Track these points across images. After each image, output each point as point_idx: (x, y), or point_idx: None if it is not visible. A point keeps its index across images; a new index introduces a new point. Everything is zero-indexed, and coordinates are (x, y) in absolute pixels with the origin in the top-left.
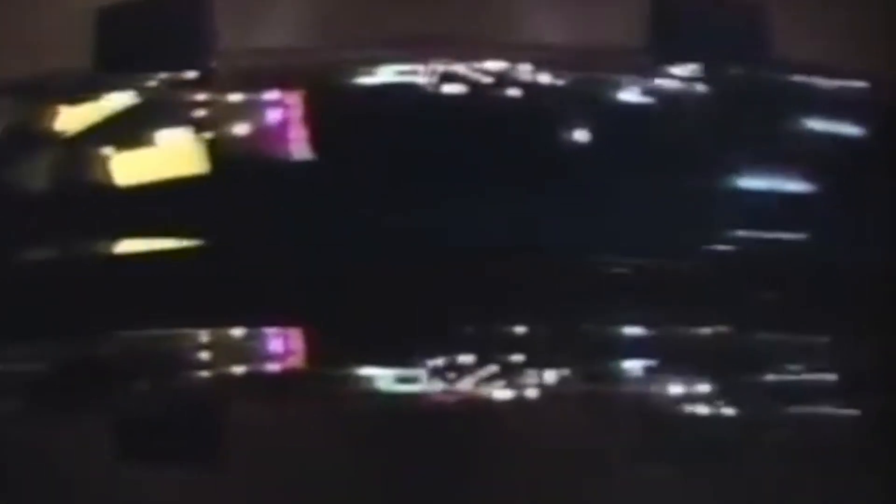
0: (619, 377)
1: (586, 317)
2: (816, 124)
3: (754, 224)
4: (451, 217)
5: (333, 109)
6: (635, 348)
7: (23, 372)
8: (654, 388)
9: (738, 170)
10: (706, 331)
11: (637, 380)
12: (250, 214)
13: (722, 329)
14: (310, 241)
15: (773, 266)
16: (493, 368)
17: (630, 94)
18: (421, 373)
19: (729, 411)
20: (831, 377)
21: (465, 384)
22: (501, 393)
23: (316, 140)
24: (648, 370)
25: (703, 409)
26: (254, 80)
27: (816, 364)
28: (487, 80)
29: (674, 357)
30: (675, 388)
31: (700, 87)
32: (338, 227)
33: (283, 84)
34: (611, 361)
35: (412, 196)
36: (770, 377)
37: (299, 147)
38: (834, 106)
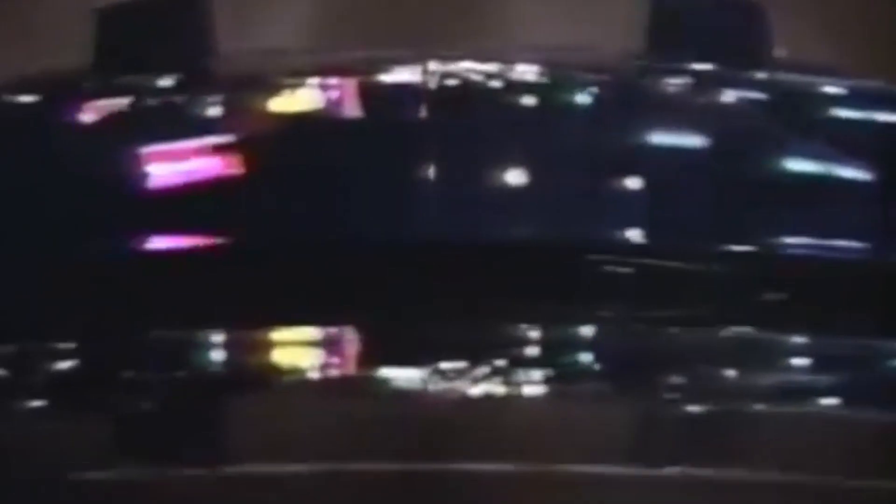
0: (617, 378)
1: (588, 316)
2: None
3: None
4: (448, 216)
5: (340, 108)
6: (635, 348)
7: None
8: (651, 389)
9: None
10: (702, 330)
11: (635, 380)
12: (249, 216)
13: (717, 329)
14: (310, 242)
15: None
16: (492, 368)
17: (628, 94)
18: (423, 372)
19: (727, 412)
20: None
21: (466, 383)
22: (501, 391)
23: (312, 141)
24: (646, 371)
25: (701, 409)
26: (256, 82)
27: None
28: (485, 80)
29: (671, 356)
30: (674, 388)
31: (700, 87)
32: (338, 227)
33: (291, 85)
34: (609, 361)
35: (409, 196)
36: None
37: (294, 149)
38: (833, 105)
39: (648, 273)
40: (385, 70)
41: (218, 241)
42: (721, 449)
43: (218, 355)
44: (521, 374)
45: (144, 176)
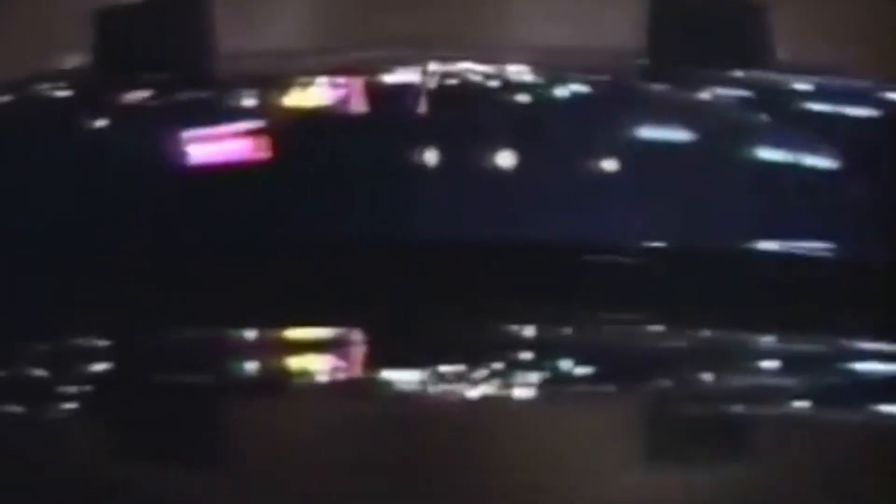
0: (614, 377)
1: (588, 317)
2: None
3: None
4: (448, 216)
5: (340, 108)
6: (634, 347)
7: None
8: (652, 391)
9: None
10: (696, 331)
11: (632, 380)
12: (247, 216)
13: (711, 329)
14: (309, 242)
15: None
16: (491, 370)
17: (624, 95)
18: (423, 374)
19: (722, 410)
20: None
21: (466, 385)
22: (500, 393)
23: (312, 141)
24: (643, 369)
25: (697, 409)
26: (256, 83)
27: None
28: (484, 81)
29: (667, 355)
30: (671, 388)
31: (698, 87)
32: (338, 227)
33: (292, 85)
34: (608, 361)
35: (409, 196)
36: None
37: (293, 149)
38: (832, 104)
39: (648, 273)
40: (385, 70)
41: (217, 240)
42: (717, 450)
43: (217, 356)
44: (519, 377)
45: (144, 176)
